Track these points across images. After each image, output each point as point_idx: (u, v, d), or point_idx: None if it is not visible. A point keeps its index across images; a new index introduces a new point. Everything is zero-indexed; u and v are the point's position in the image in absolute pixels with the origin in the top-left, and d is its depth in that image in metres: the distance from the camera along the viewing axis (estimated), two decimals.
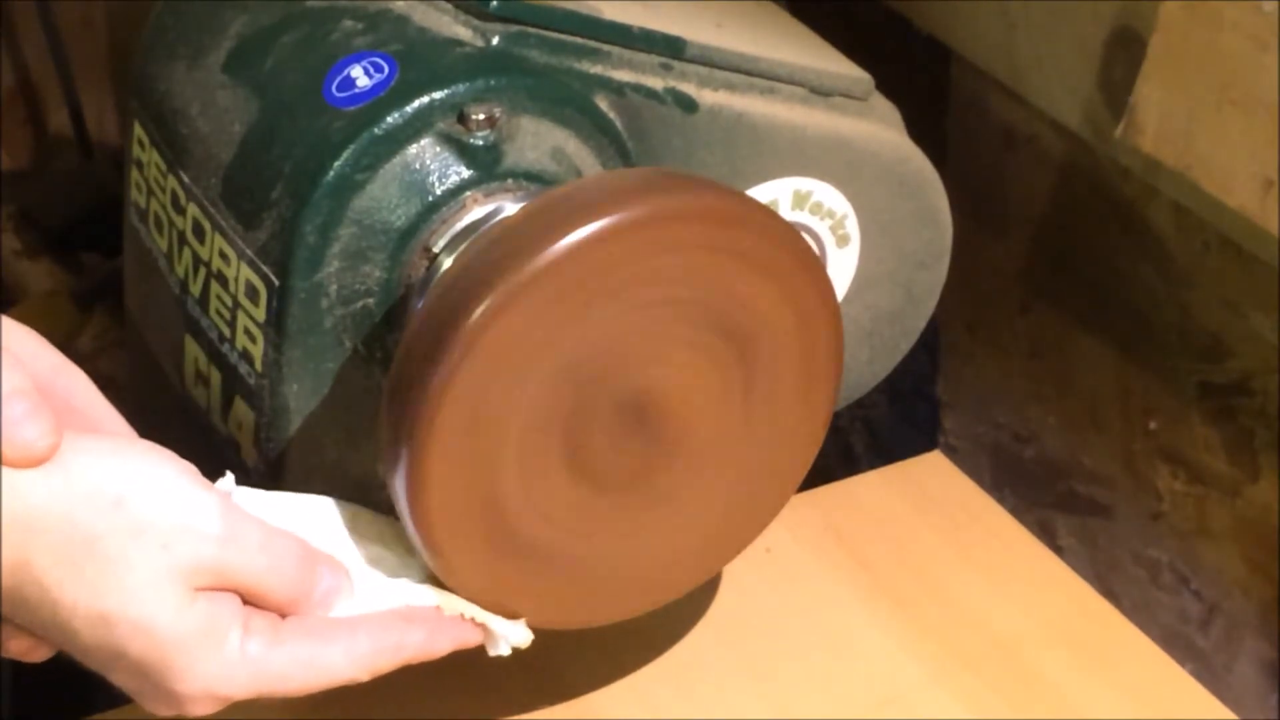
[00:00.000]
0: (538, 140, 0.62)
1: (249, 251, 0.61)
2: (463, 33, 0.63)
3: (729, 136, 0.68)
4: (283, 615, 0.55)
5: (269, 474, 0.64)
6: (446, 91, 0.60)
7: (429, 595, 0.59)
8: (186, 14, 0.68)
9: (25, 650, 0.54)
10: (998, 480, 0.91)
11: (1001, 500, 0.90)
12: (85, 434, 0.53)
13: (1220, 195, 0.71)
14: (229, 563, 0.53)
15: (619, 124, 0.65)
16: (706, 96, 0.67)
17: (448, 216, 0.60)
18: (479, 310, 0.54)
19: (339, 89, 0.61)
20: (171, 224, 0.66)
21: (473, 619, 0.59)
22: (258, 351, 0.62)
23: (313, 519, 0.59)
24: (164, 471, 0.53)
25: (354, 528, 0.60)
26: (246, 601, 0.54)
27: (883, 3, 0.89)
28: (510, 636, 0.60)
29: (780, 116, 0.69)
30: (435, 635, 0.58)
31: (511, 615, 0.61)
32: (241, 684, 0.53)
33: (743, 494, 0.65)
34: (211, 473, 0.57)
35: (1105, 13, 0.75)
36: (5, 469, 0.50)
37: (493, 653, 0.61)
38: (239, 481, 0.58)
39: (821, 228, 0.72)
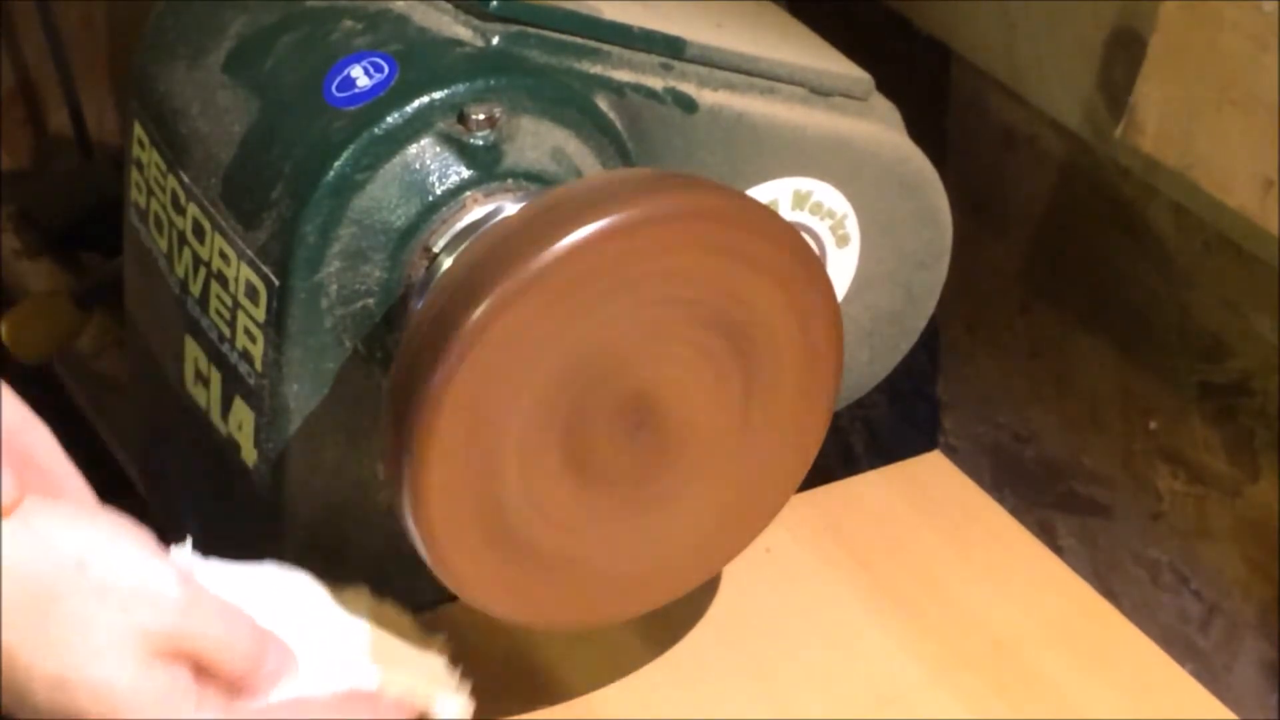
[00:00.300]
0: (538, 140, 0.62)
1: (249, 251, 0.61)
2: (463, 33, 0.63)
3: (729, 136, 0.68)
4: (232, 689, 0.54)
5: (269, 474, 0.64)
6: (446, 91, 0.60)
7: (372, 676, 0.58)
8: (186, 14, 0.68)
9: None
10: (998, 480, 0.91)
11: (1001, 500, 0.89)
12: (47, 498, 0.52)
13: (1220, 195, 0.71)
14: (187, 630, 0.52)
15: (619, 124, 0.65)
16: (706, 96, 0.67)
17: (448, 216, 0.60)
18: (479, 310, 0.54)
19: (339, 89, 0.61)
20: (171, 224, 0.66)
21: (413, 701, 0.58)
22: (258, 351, 0.62)
23: (259, 591, 0.58)
24: (125, 538, 0.52)
25: (298, 599, 0.59)
26: (198, 673, 0.53)
27: (883, 3, 0.89)
28: (449, 712, 0.59)
29: (780, 116, 0.69)
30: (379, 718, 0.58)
31: (513, 622, 0.61)
32: None
33: (743, 494, 0.65)
34: (212, 472, 0.57)
35: (1105, 13, 0.75)
36: None
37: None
38: (235, 485, 0.58)
39: (821, 228, 0.72)
